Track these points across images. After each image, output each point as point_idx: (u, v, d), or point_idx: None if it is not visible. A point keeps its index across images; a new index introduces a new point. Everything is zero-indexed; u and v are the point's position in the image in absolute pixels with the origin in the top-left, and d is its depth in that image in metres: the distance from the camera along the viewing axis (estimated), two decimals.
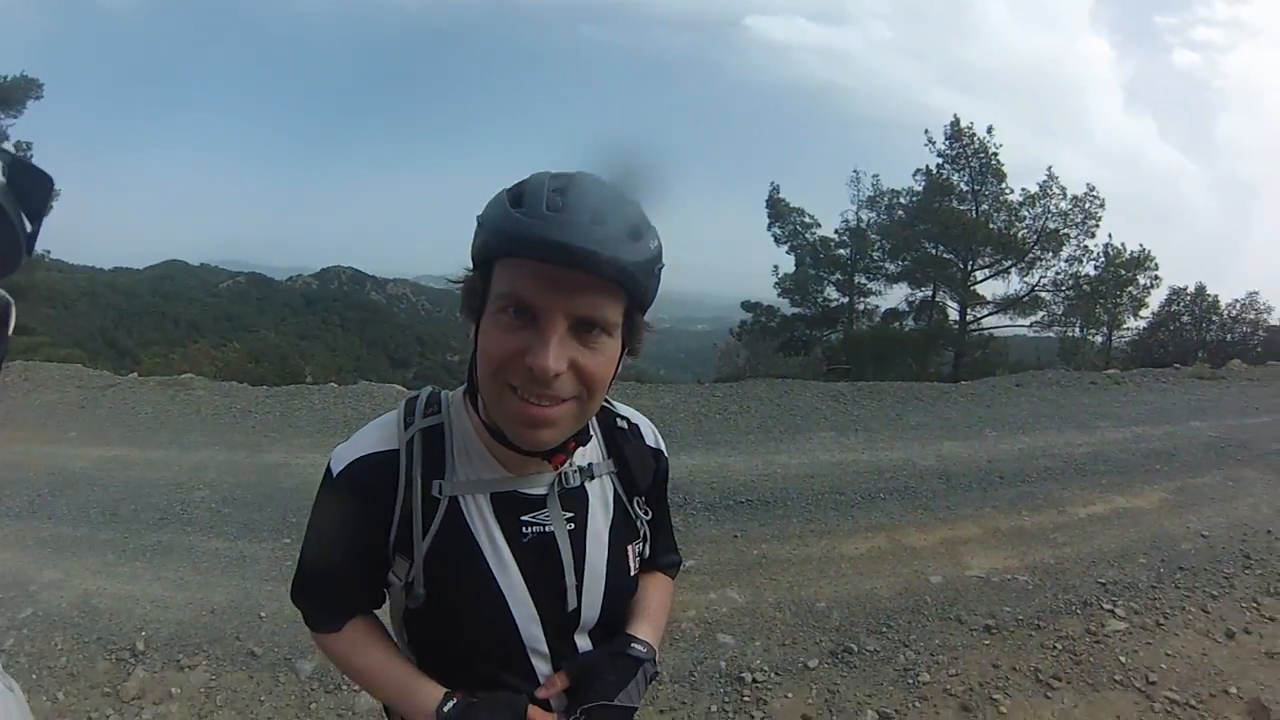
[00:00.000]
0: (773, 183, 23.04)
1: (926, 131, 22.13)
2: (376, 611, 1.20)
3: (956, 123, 21.63)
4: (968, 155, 21.51)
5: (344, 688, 3.39)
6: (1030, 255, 20.92)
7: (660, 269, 0.93)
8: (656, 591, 1.26)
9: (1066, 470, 6.05)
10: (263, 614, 3.97)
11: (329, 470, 1.07)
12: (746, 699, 3.24)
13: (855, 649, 3.57)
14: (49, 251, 23.17)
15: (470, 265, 0.96)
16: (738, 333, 24.16)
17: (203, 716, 3.18)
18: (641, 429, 1.24)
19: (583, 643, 1.15)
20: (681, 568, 1.39)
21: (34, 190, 0.52)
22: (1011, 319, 21.75)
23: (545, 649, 1.11)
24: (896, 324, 22.62)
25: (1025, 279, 21.30)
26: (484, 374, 0.93)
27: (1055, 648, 3.56)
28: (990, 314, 21.96)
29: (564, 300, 0.87)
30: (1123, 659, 3.45)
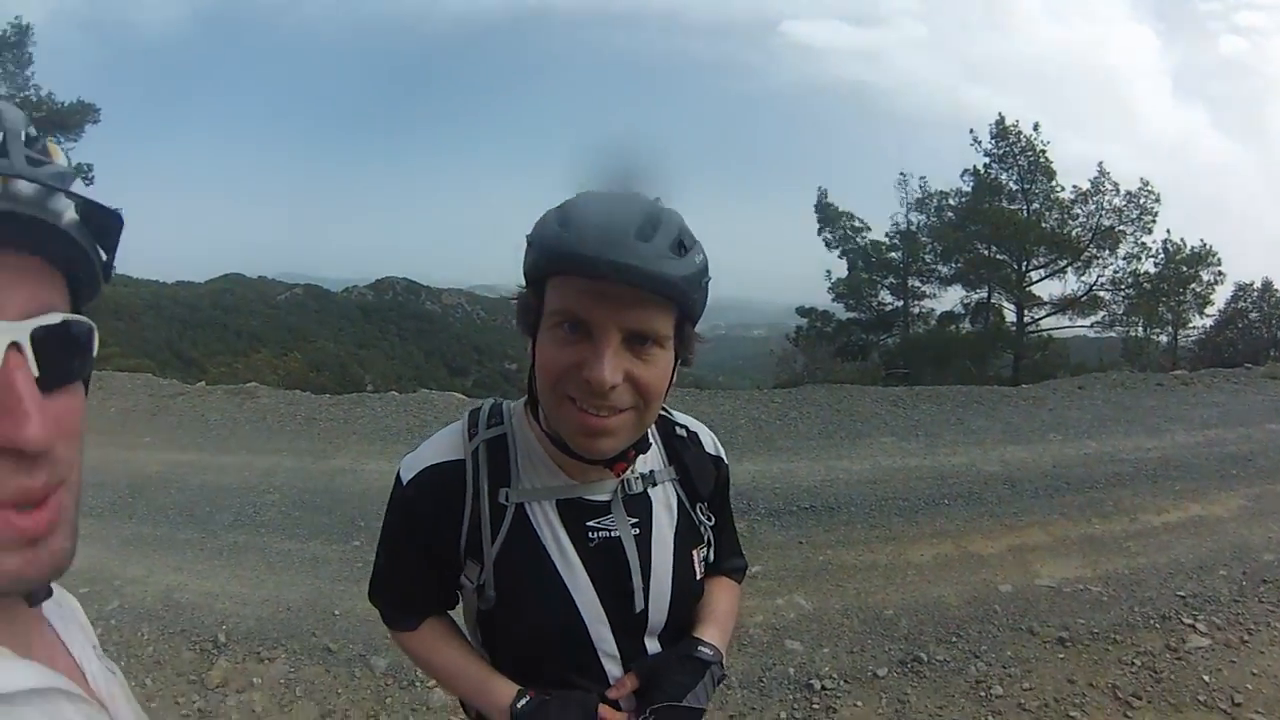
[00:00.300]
0: (820, 187, 22.97)
1: (972, 131, 21.81)
2: (451, 611, 1.23)
3: (1001, 121, 21.28)
4: (1015, 154, 21.11)
5: (418, 684, 3.50)
6: (1086, 254, 20.37)
7: (707, 281, 0.96)
8: (723, 596, 1.28)
9: (1136, 476, 5.86)
10: (336, 612, 4.09)
11: (399, 479, 1.12)
12: (816, 706, 3.23)
13: (925, 658, 3.52)
14: (115, 267, 24.36)
15: (523, 282, 1.00)
16: (794, 338, 24.02)
17: (283, 705, 3.32)
18: (701, 436, 1.26)
19: (652, 645, 1.17)
20: (747, 573, 1.40)
21: (106, 227, 0.58)
22: (1071, 320, 21.20)
23: (615, 651, 1.13)
24: (953, 327, 22.31)
25: (1082, 278, 20.78)
26: (543, 387, 0.97)
27: (1134, 663, 3.44)
28: (1048, 315, 21.49)
29: (616, 314, 0.90)
30: (1206, 678, 3.31)
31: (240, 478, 6.36)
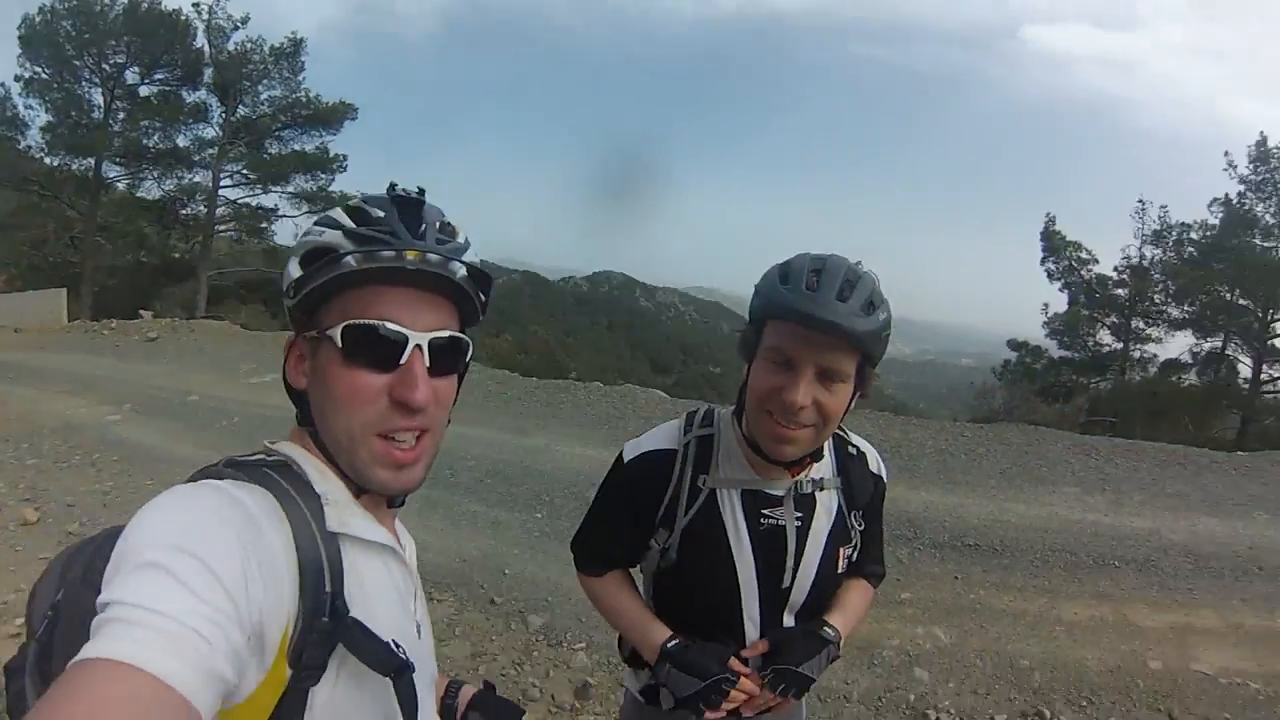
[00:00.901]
0: (1048, 214, 21.18)
1: (1226, 154, 19.09)
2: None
3: (1264, 141, 18.43)
4: (1276, 180, 18.27)
5: (564, 644, 4.09)
6: None
7: (888, 335, 1.31)
8: (857, 593, 1.57)
9: None
10: (507, 571, 4.78)
11: (621, 457, 1.50)
12: None
13: (1048, 715, 3.60)
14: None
15: (748, 319, 1.39)
16: (1000, 372, 22.58)
17: (441, 640, 3.91)
18: (868, 457, 1.56)
19: (788, 621, 1.47)
20: (897, 599, 1.75)
21: (485, 280, 0.95)
22: None
23: (757, 617, 1.44)
24: (1175, 377, 19.87)
25: None
26: (751, 402, 1.32)
27: None
28: None
29: (814, 354, 1.24)
30: None
31: (442, 442, 7.38)
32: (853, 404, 1.32)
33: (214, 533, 0.71)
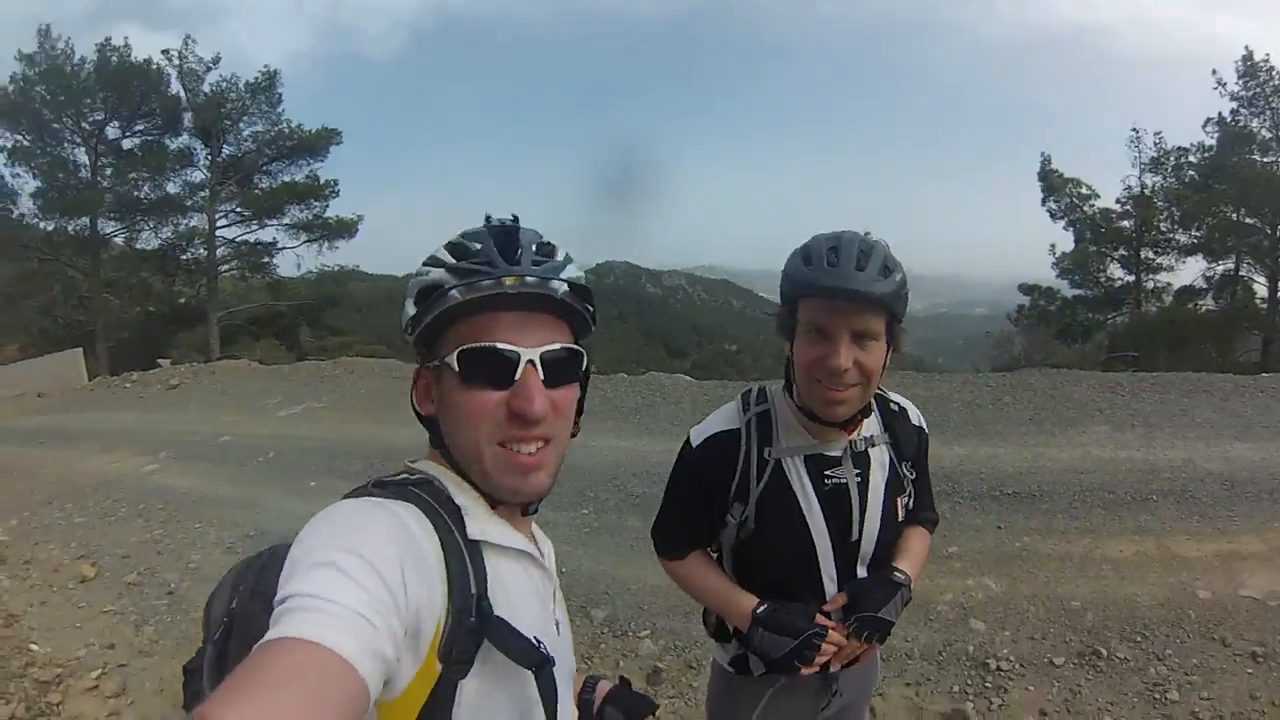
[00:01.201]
0: (1043, 153, 20.98)
1: (1214, 72, 18.90)
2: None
3: (1250, 56, 18.22)
4: (1267, 94, 18.05)
5: (629, 634, 4.20)
6: None
7: (906, 293, 1.44)
8: (916, 538, 1.69)
9: None
10: (563, 569, 4.83)
11: (689, 443, 1.60)
12: (988, 685, 3.53)
13: (1104, 654, 3.67)
14: (358, 266, 27.78)
15: (781, 301, 1.51)
16: (1015, 318, 22.42)
17: None
18: (909, 411, 1.68)
19: (861, 573, 1.58)
20: (944, 554, 1.84)
21: (588, 293, 1.02)
22: None
23: (834, 573, 1.55)
24: (1192, 304, 19.68)
25: None
26: (800, 374, 1.45)
27: None
28: None
29: (845, 321, 1.37)
30: None
31: None
32: (889, 359, 1.45)
33: (375, 538, 0.79)
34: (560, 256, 0.98)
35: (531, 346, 0.94)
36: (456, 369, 0.93)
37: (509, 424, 0.94)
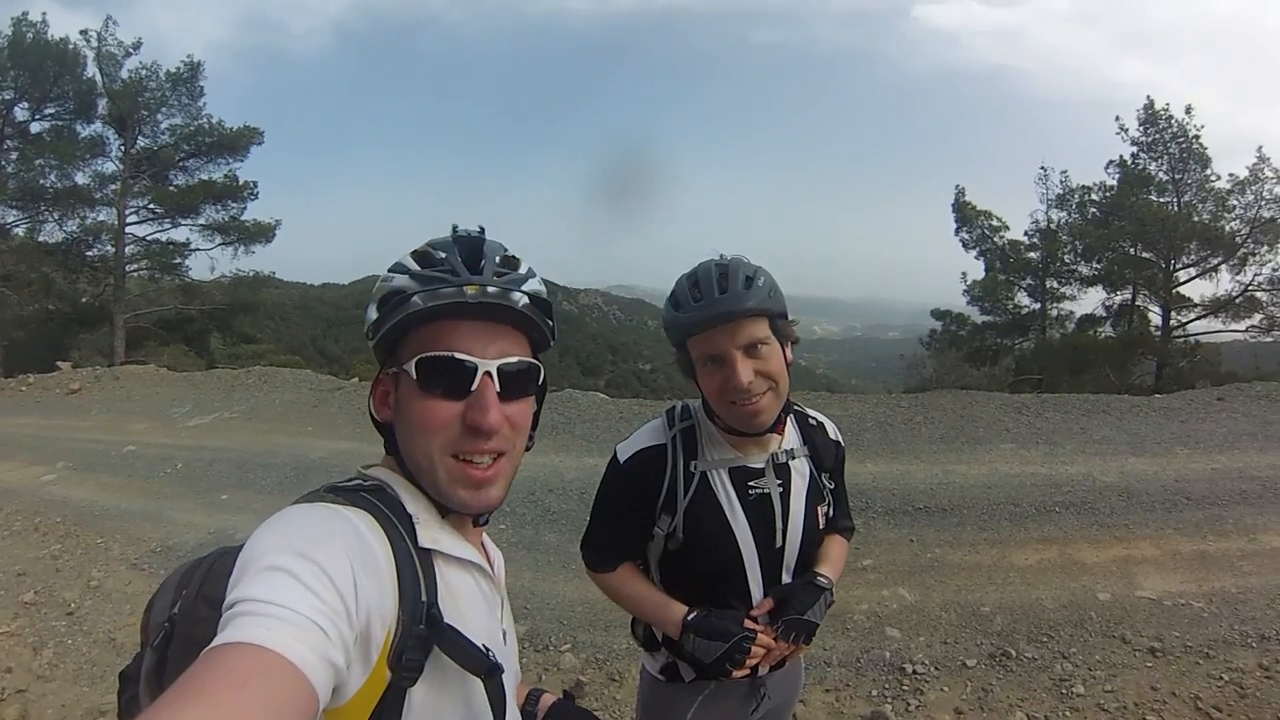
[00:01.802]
0: (958, 185, 22.12)
1: (1118, 118, 20.26)
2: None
3: (1151, 105, 19.62)
4: (1165, 140, 19.37)
5: (550, 648, 4.18)
6: (1242, 250, 18.37)
7: (777, 292, 1.51)
8: (835, 545, 1.75)
9: (1265, 495, 5.72)
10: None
11: (615, 458, 1.64)
12: (905, 688, 3.67)
13: (1014, 654, 3.86)
14: (274, 272, 26.74)
15: (675, 348, 1.57)
16: (927, 342, 23.19)
17: None
18: (826, 426, 1.76)
19: (786, 579, 1.64)
20: (859, 566, 1.92)
21: (548, 307, 1.04)
22: (1224, 323, 19.12)
23: (760, 579, 1.60)
24: (1092, 331, 20.86)
25: (1237, 277, 18.70)
26: (714, 402, 1.52)
27: (1221, 678, 3.59)
28: (1198, 318, 19.59)
29: (730, 341, 1.44)
30: None
31: None
32: (789, 354, 1.53)
33: (327, 542, 0.79)
34: (523, 270, 1.00)
35: (490, 358, 0.95)
36: (414, 376, 0.93)
37: (463, 436, 0.94)
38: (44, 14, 21.44)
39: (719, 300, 1.41)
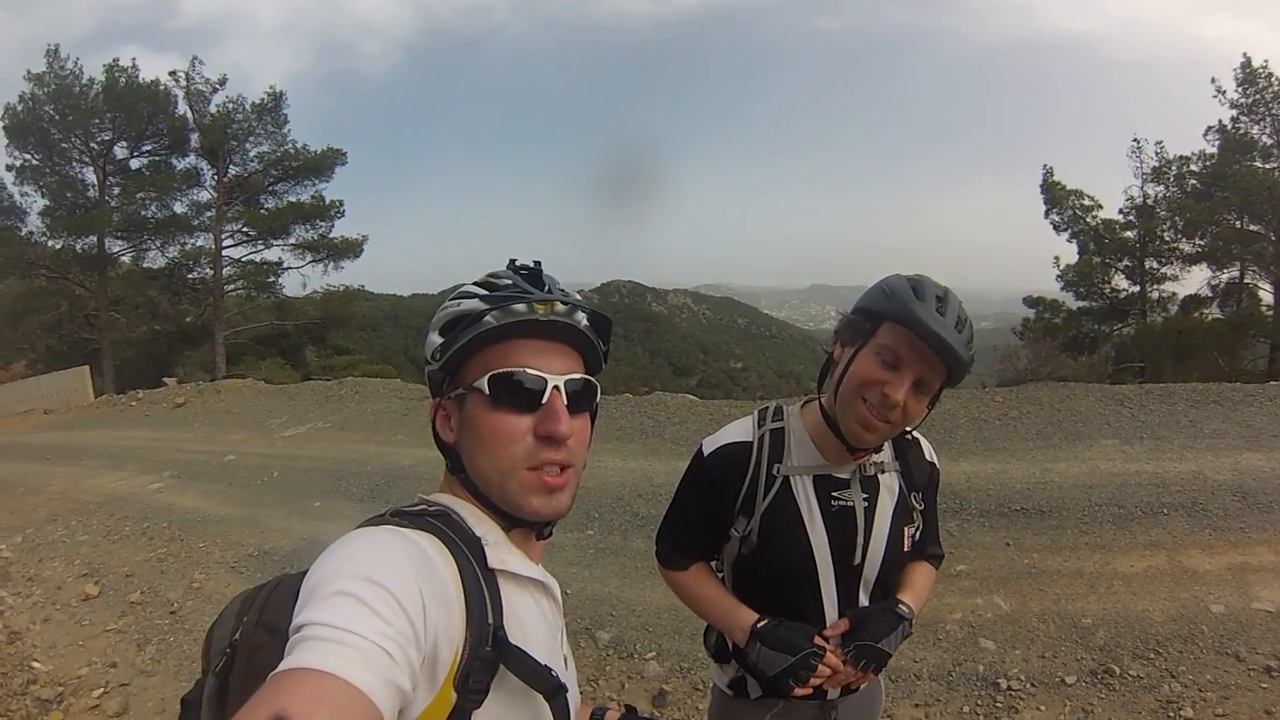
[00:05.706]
0: (1045, 165, 21.01)
1: (1214, 80, 18.84)
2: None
3: (1248, 63, 18.16)
4: (1266, 101, 17.93)
5: (635, 655, 4.15)
6: None
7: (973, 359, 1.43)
8: (922, 573, 1.67)
9: None
10: (569, 591, 4.83)
11: (700, 451, 1.60)
12: (999, 705, 3.49)
13: (1117, 671, 3.63)
14: (363, 285, 27.84)
15: (856, 309, 1.49)
16: (1020, 331, 22.12)
17: None
18: (922, 444, 1.68)
19: (864, 600, 1.56)
20: (951, 571, 1.82)
21: (605, 327, 1.08)
22: None
23: (834, 595, 1.53)
24: (1198, 313, 19.55)
25: None
26: (849, 385, 1.43)
27: None
28: None
29: (921, 364, 1.39)
30: None
31: None
32: (924, 417, 1.48)
33: (395, 566, 0.79)
34: (575, 296, 1.03)
35: (555, 373, 0.98)
36: (486, 392, 0.96)
37: (537, 447, 0.96)
38: (134, 59, 23.01)
39: (951, 331, 1.37)
